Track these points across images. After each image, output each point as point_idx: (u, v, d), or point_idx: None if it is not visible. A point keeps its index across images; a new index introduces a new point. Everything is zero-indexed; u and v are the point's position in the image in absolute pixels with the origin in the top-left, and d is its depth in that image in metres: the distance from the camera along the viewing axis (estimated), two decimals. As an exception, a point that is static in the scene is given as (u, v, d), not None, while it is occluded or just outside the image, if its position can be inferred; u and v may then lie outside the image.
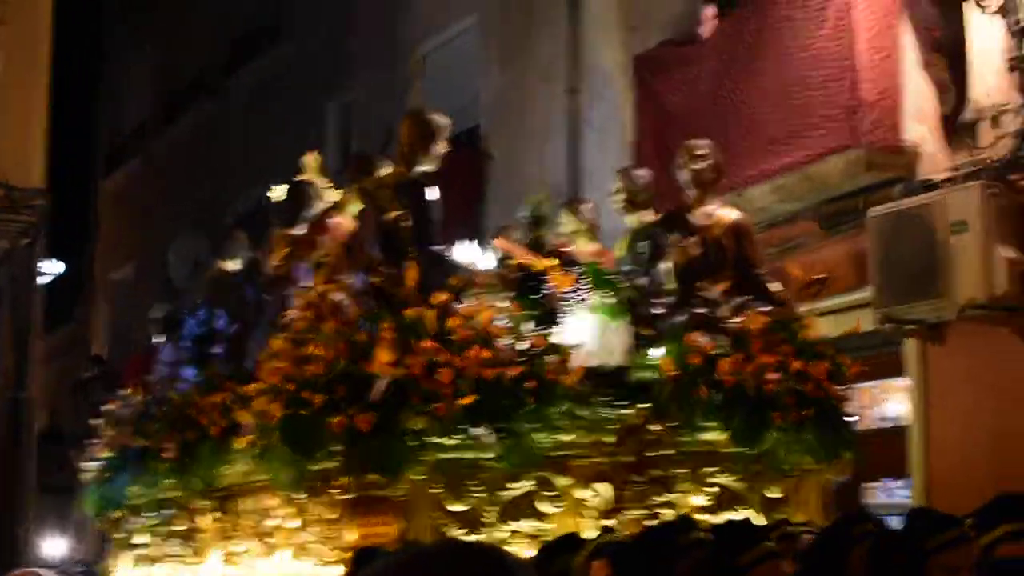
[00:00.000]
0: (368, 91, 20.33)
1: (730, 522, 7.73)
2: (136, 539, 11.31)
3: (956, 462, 11.54)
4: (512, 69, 17.62)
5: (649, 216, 10.60)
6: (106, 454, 11.31)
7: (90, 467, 11.55)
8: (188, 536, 10.45)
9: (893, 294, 11.48)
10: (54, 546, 18.89)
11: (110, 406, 11.50)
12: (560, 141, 16.50)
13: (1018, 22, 11.03)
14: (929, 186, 11.63)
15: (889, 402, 13.43)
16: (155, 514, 10.92)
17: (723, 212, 10.25)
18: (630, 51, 15.25)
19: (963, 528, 5.47)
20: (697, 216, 10.08)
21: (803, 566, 6.59)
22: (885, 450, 12.54)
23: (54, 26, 15.78)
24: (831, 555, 5.92)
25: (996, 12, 11.09)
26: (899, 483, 12.69)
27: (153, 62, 29.19)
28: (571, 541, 6.78)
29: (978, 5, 11.14)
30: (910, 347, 12.16)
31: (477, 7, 18.53)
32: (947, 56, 11.21)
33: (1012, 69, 11.09)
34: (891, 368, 12.45)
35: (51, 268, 16.27)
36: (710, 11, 14.07)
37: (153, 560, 11.05)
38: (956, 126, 11.39)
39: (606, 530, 7.26)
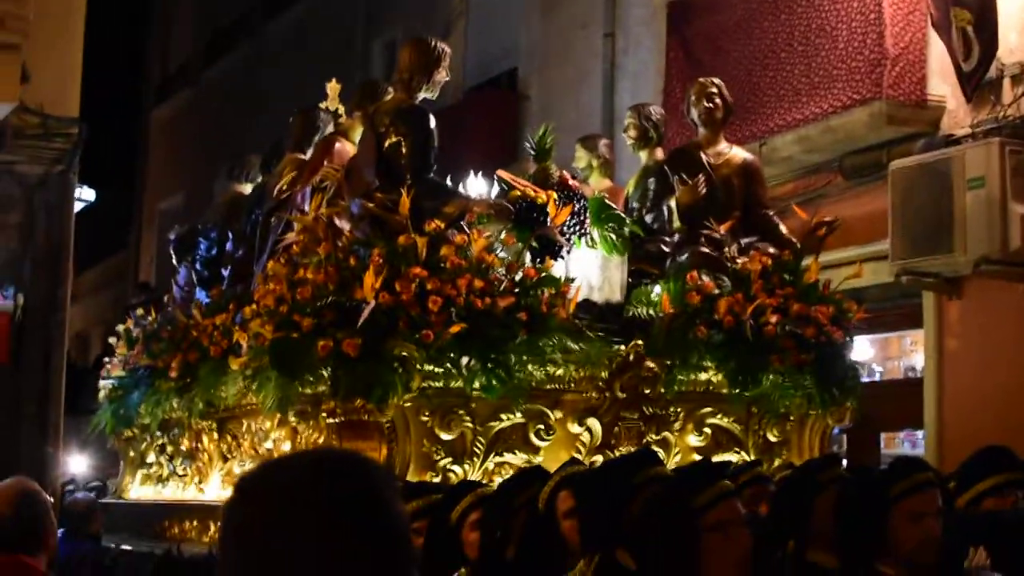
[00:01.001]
0: (411, 31, 20.37)
1: (693, 462, 7.72)
2: (147, 458, 11.44)
3: (968, 414, 11.60)
4: (552, 13, 17.66)
5: (660, 154, 10.60)
6: (118, 373, 11.39)
7: (105, 385, 11.63)
8: (191, 456, 10.55)
9: (910, 247, 11.51)
10: (77, 464, 19.28)
11: (124, 325, 11.59)
12: (596, 85, 16.57)
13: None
14: (951, 142, 11.64)
15: (917, 354, 13.45)
16: (161, 433, 11.03)
17: (733, 152, 10.23)
18: (667, -2, 15.26)
19: (929, 475, 5.49)
20: (707, 155, 10.06)
21: (770, 511, 6.66)
22: (911, 401, 12.57)
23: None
24: (797, 500, 5.96)
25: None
26: (923, 433, 12.70)
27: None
28: (536, 473, 6.80)
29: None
30: (927, 300, 12.19)
31: (520, -49, 18.58)
32: (974, 13, 11.16)
33: (1033, 29, 11.09)
34: (919, 320, 12.48)
35: (85, 195, 16.38)
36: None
37: (160, 479, 11.18)
38: (980, 83, 11.36)
39: (572, 461, 7.25)
